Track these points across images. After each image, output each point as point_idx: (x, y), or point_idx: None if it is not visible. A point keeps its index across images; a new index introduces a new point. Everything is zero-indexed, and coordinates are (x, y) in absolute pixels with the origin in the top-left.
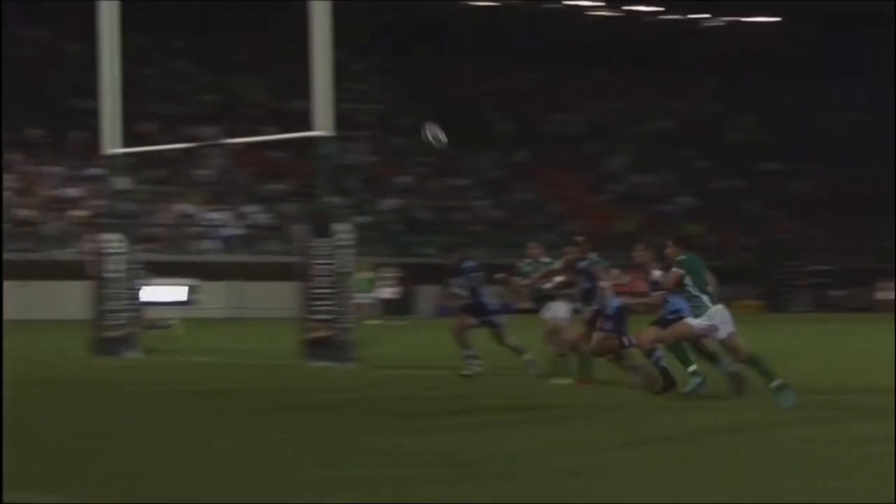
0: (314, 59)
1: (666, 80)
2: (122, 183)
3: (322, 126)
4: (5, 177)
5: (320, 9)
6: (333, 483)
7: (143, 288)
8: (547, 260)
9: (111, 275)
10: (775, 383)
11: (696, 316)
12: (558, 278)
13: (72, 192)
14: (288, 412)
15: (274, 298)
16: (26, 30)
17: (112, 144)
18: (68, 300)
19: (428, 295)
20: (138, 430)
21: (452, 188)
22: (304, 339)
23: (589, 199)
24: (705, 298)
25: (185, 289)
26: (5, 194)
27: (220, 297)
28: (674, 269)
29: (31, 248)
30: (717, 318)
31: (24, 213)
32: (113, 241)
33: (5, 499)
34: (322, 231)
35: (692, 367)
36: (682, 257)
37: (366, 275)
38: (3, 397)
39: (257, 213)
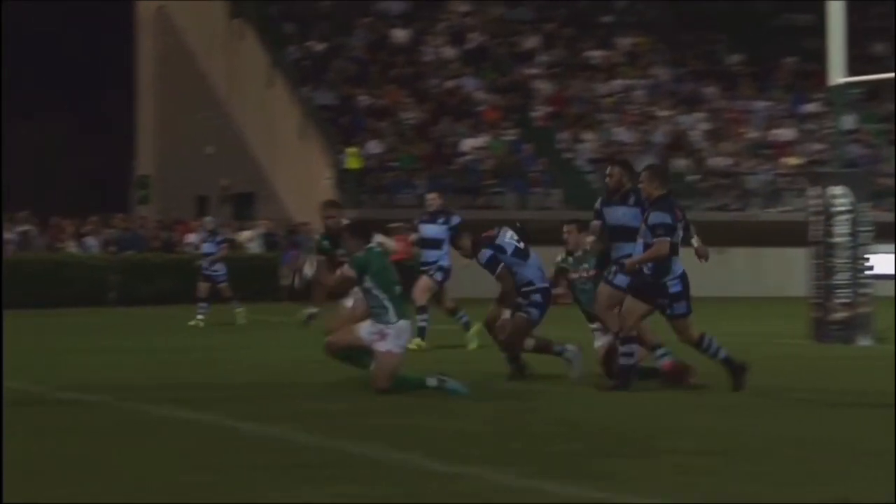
0: None
1: None
2: (849, 121)
3: None
4: (696, 115)
5: None
6: None
7: (872, 257)
8: None
9: (837, 240)
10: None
11: (382, 322)
12: None
13: (783, 133)
14: None
15: None
16: None
17: (837, 72)
18: (777, 271)
19: None
20: None
21: None
22: None
23: None
24: (392, 308)
25: None
26: (695, 136)
27: None
28: (345, 268)
29: (729, 206)
30: (391, 332)
31: (719, 161)
32: (838, 197)
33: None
34: None
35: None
36: (359, 254)
37: None
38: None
39: None
